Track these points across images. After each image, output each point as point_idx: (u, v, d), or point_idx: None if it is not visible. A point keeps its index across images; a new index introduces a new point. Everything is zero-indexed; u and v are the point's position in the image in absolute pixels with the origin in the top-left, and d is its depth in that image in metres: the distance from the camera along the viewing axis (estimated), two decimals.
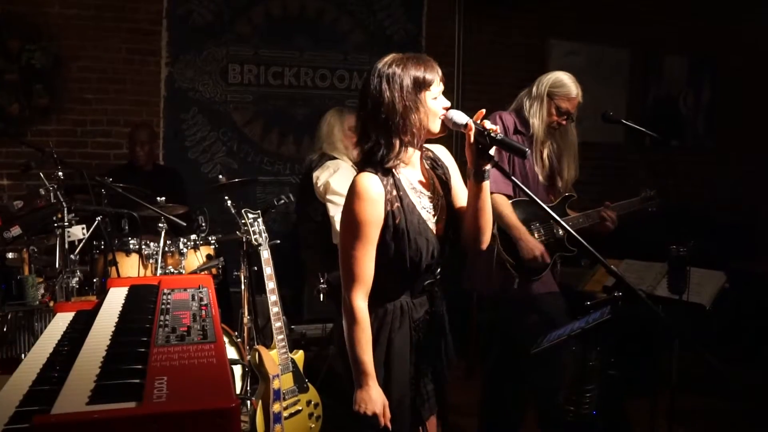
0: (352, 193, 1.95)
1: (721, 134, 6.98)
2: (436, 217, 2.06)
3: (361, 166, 2.00)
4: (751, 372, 4.32)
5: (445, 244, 2.07)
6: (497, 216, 2.96)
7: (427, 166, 2.13)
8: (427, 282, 2.06)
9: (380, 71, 1.95)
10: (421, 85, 1.95)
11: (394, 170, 1.99)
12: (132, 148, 4.69)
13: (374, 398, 1.94)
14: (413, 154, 2.04)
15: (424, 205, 2.04)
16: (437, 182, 2.11)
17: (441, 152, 2.20)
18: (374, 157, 1.95)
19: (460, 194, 2.15)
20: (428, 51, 6.10)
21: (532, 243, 2.96)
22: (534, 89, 3.11)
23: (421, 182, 2.07)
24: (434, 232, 2.03)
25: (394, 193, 1.97)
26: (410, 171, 2.05)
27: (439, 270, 2.10)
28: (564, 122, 3.09)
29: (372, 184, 1.93)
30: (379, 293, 2.01)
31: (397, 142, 1.94)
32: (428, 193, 2.07)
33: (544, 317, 2.98)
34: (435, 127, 2.00)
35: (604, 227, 3.17)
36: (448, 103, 2.02)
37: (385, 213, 1.94)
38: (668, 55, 6.76)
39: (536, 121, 3.07)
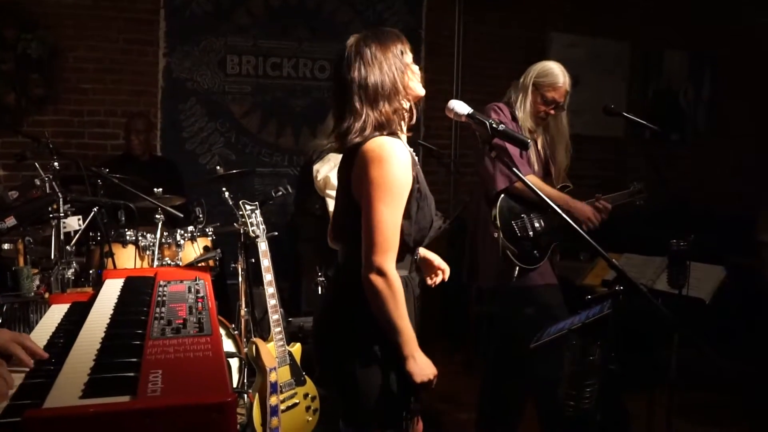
0: (383, 159, 1.85)
1: (721, 129, 6.97)
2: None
3: (365, 138, 1.91)
4: (750, 366, 4.32)
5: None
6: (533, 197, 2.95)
7: None
8: (417, 254, 2.05)
9: (350, 49, 1.93)
10: (395, 50, 1.94)
11: (399, 135, 1.96)
12: (128, 137, 4.67)
13: (428, 363, 1.91)
14: (409, 120, 2.02)
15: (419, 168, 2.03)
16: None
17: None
18: (376, 126, 1.90)
19: None
20: (428, 43, 6.10)
21: (581, 205, 3.02)
22: (521, 80, 3.09)
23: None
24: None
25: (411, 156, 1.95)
26: (403, 137, 2.04)
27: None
28: (552, 111, 3.06)
29: (400, 146, 1.89)
30: None
31: (391, 107, 1.92)
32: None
33: (540, 309, 2.96)
34: (415, 86, 1.98)
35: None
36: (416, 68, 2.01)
37: (413, 175, 1.91)
38: (669, 49, 6.74)
39: (521, 113, 3.05)
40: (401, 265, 1.96)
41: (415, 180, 1.91)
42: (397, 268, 1.91)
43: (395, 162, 1.85)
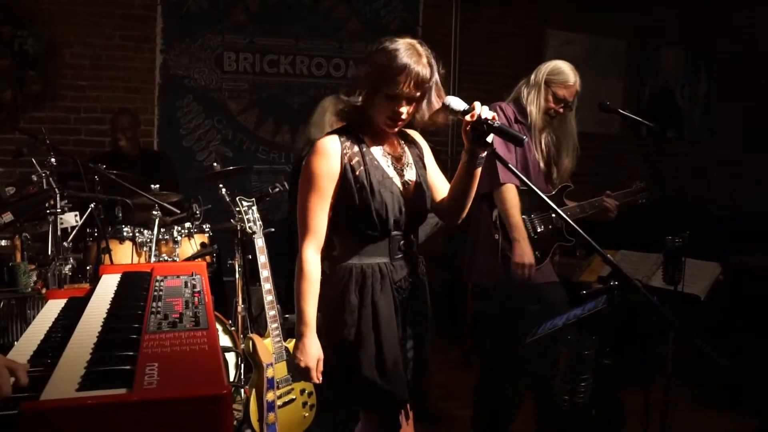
0: (310, 152, 2.05)
1: (717, 125, 6.98)
2: (404, 178, 2.12)
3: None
4: (745, 363, 4.33)
5: (414, 207, 2.11)
6: (503, 210, 2.97)
7: (399, 140, 2.20)
8: (402, 242, 2.10)
9: (375, 48, 2.02)
10: (387, 75, 1.95)
11: (359, 133, 2.08)
12: (114, 135, 4.63)
13: (309, 352, 2.00)
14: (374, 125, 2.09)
15: (389, 164, 2.11)
16: (407, 152, 2.18)
17: (414, 134, 2.28)
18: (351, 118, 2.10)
19: (434, 173, 2.24)
20: (424, 40, 6.05)
21: (527, 250, 2.95)
22: (532, 77, 3.11)
23: (388, 145, 2.15)
24: (400, 189, 2.09)
25: (355, 149, 2.05)
26: (378, 135, 2.13)
27: (412, 233, 2.15)
28: (561, 110, 3.07)
29: (327, 142, 2.05)
30: (353, 252, 2.07)
31: (360, 109, 2.05)
32: (395, 155, 2.14)
33: (544, 306, 2.97)
34: (378, 118, 2.04)
35: (605, 216, 3.17)
36: (401, 110, 1.99)
37: (342, 166, 2.02)
38: (665, 46, 6.75)
39: (533, 109, 3.06)
40: (373, 251, 2.06)
41: (350, 169, 2.02)
42: (371, 255, 2.06)
43: (315, 155, 2.02)
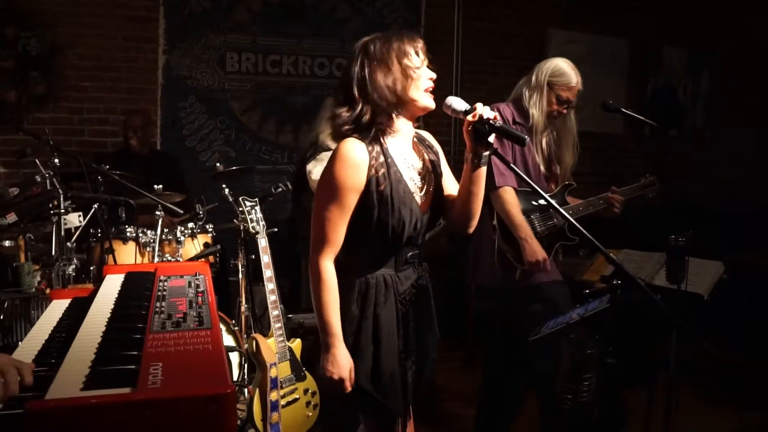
0: (335, 157, 1.95)
1: (720, 124, 6.98)
2: (423, 191, 2.07)
3: (344, 133, 1.98)
4: (748, 362, 4.33)
5: (429, 218, 2.08)
6: (503, 212, 2.95)
7: (418, 144, 2.14)
8: (410, 254, 2.06)
9: (359, 44, 2.00)
10: (399, 53, 1.96)
11: (382, 138, 1.99)
12: (125, 135, 4.66)
13: (341, 363, 1.94)
14: (402, 125, 2.04)
15: (411, 177, 2.04)
16: (427, 161, 2.12)
17: (429, 137, 2.23)
18: (359, 124, 1.96)
19: (448, 179, 2.18)
20: (427, 40, 6.10)
21: (536, 247, 2.92)
22: (533, 78, 3.06)
23: (410, 155, 2.08)
24: (419, 204, 2.04)
25: (381, 159, 1.97)
26: (400, 142, 2.06)
27: (420, 242, 2.11)
28: (564, 111, 3.06)
29: (356, 149, 1.93)
30: (359, 263, 2.02)
31: (379, 109, 1.96)
32: (417, 167, 2.08)
33: (548, 305, 2.96)
34: (418, 95, 1.99)
35: (610, 212, 3.16)
36: (433, 75, 2.02)
37: (368, 179, 1.94)
38: (667, 44, 6.75)
39: (536, 112, 3.02)
40: (379, 262, 2.02)
41: (375, 182, 1.95)
42: (377, 266, 2.01)
43: (343, 164, 1.92)
